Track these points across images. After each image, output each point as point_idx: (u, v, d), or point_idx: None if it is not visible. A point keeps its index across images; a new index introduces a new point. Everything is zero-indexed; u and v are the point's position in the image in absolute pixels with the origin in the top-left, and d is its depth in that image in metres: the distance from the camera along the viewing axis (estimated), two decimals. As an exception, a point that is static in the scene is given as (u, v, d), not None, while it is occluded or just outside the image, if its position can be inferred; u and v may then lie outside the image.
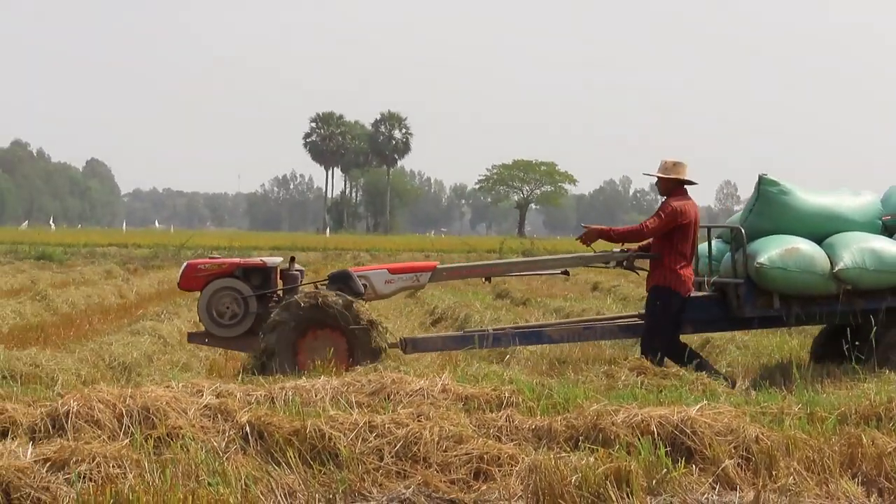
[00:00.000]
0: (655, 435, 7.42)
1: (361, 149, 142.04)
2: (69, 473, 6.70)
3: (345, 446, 7.28)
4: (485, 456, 7.36)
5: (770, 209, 11.71)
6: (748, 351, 13.55)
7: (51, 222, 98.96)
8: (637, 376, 10.41)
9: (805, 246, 11.22)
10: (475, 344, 11.98)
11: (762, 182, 11.77)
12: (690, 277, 11.54)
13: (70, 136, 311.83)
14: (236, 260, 12.67)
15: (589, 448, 7.33)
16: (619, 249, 12.34)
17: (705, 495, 6.90)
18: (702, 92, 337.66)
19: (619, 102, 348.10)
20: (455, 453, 7.40)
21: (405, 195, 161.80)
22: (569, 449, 7.50)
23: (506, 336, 12.38)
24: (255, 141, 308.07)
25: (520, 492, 6.94)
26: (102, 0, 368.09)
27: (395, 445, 7.38)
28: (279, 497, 6.84)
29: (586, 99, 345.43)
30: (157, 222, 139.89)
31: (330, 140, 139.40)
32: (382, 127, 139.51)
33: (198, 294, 12.11)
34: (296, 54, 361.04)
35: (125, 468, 6.82)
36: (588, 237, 11.89)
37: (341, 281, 11.97)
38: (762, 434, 7.46)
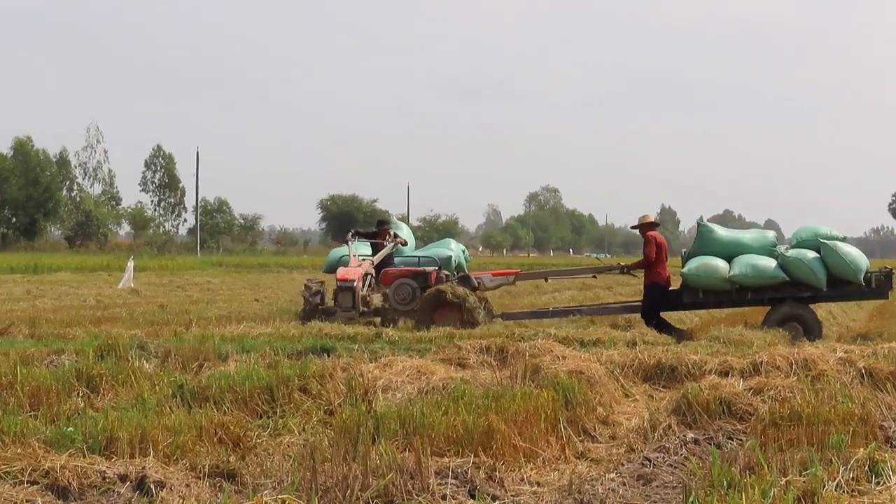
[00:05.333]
0: None
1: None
2: (764, 396, 9.92)
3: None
4: None
5: (703, 240, 19.59)
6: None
7: None
8: None
9: (714, 261, 19.15)
10: (540, 317, 20.51)
11: (699, 224, 20.36)
12: (667, 278, 19.84)
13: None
14: (409, 268, 20.94)
15: None
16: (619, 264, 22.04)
17: None
18: None
19: None
20: None
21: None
22: None
23: (558, 311, 21.05)
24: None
25: None
26: None
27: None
28: (883, 410, 9.51)
29: None
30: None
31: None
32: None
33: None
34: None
35: (794, 393, 9.91)
36: (632, 267, 20.59)
37: (464, 280, 20.22)
38: None
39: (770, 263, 18.79)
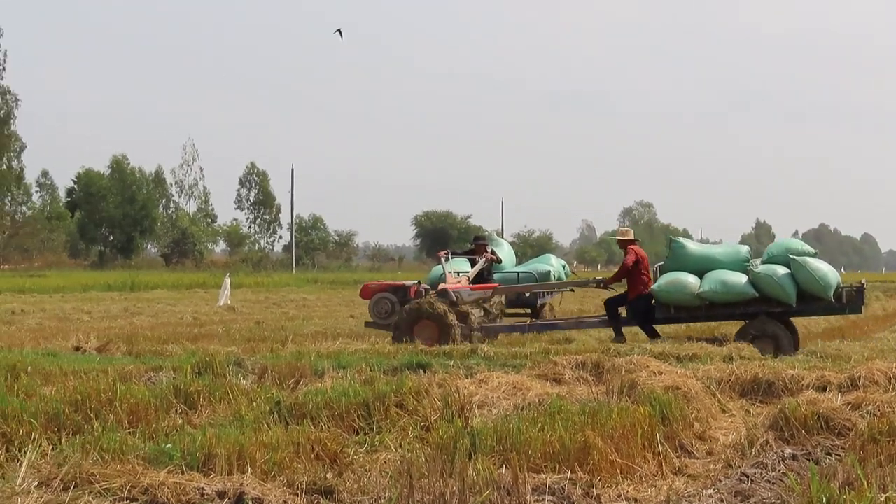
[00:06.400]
0: None
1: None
2: (862, 411, 9.82)
3: None
4: None
5: (676, 255, 19.46)
6: None
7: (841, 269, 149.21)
8: None
9: (684, 277, 18.96)
10: (518, 331, 20.55)
11: (670, 240, 20.22)
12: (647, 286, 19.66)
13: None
14: (389, 283, 21.29)
15: None
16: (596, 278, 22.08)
17: None
18: None
19: None
20: None
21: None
22: None
23: (534, 326, 20.82)
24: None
25: None
26: None
27: None
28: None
29: None
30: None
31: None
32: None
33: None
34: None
35: (893, 408, 9.78)
36: (609, 281, 20.47)
37: (442, 294, 19.93)
38: None
39: (740, 279, 18.67)
